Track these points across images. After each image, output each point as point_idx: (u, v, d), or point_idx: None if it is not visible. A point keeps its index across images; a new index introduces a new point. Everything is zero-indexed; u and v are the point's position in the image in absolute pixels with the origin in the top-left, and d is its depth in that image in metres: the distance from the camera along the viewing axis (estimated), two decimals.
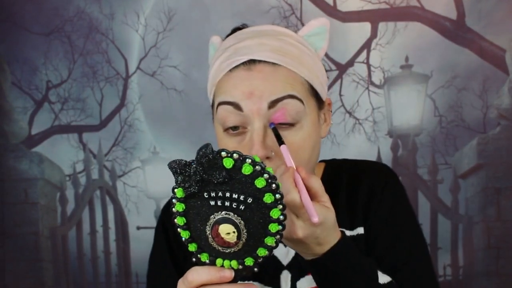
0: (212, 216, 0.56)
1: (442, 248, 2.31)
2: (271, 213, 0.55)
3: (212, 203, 0.56)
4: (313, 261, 0.65)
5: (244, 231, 0.56)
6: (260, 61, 0.72)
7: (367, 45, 2.32)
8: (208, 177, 0.54)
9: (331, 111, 0.82)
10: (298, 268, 0.78)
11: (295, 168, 0.64)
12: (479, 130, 2.25)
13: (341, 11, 2.30)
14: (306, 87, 0.73)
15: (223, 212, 0.56)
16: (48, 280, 2.49)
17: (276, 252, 0.79)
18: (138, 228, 2.49)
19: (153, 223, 2.48)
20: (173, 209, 0.58)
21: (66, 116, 2.49)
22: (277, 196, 0.55)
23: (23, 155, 2.47)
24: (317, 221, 0.60)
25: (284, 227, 0.56)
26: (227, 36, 0.80)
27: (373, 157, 2.30)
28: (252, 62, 0.72)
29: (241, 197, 0.54)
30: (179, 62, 2.42)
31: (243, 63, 0.72)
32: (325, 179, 0.83)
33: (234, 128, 0.72)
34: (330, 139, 2.30)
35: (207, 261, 0.60)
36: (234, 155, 0.54)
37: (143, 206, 2.47)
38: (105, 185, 2.49)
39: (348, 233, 0.78)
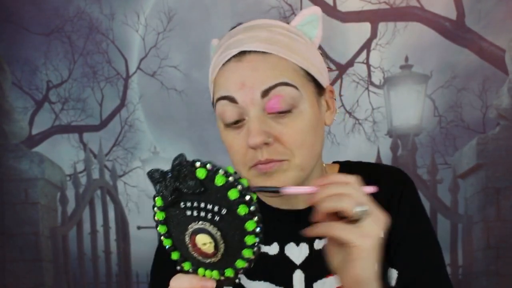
0: (189, 226, 0.56)
1: (442, 248, 2.31)
2: (246, 225, 0.54)
3: (189, 213, 0.55)
4: None
5: (221, 242, 0.55)
6: (250, 52, 0.72)
7: (367, 45, 2.32)
8: (182, 187, 0.54)
9: (335, 99, 0.80)
10: (314, 268, 0.77)
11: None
12: (478, 130, 2.25)
13: (341, 11, 2.30)
14: (301, 73, 0.73)
15: (200, 222, 0.55)
16: (48, 280, 2.49)
17: (286, 250, 0.79)
18: (139, 227, 2.49)
19: (154, 223, 2.48)
20: (155, 217, 0.58)
21: (67, 116, 2.49)
22: (252, 208, 0.53)
23: (23, 155, 2.47)
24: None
25: (261, 239, 0.55)
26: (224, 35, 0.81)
27: (373, 157, 2.30)
28: (242, 53, 0.72)
29: (216, 208, 0.54)
30: (179, 62, 2.42)
31: (234, 56, 0.72)
32: None
33: (235, 122, 0.72)
34: (330, 139, 2.30)
35: (190, 270, 0.60)
36: (208, 165, 0.53)
37: (143, 205, 2.47)
38: (105, 185, 2.49)
39: None
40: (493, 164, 2.22)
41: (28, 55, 2.48)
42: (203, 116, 2.33)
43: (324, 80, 0.77)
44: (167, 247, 0.60)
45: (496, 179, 2.23)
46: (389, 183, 0.79)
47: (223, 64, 0.73)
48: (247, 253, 0.56)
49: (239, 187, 0.53)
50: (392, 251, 0.77)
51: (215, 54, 0.76)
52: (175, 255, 0.60)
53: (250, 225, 0.54)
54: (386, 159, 2.31)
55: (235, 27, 0.80)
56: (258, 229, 0.54)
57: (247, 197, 0.53)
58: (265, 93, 0.70)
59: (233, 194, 0.53)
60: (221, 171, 0.53)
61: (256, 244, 0.55)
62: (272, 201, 0.77)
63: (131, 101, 2.46)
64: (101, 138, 2.48)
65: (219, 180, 0.53)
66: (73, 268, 2.51)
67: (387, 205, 0.77)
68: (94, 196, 2.51)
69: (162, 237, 0.60)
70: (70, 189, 2.51)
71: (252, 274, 0.78)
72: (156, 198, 0.57)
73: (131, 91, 2.47)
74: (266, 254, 0.79)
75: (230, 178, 0.53)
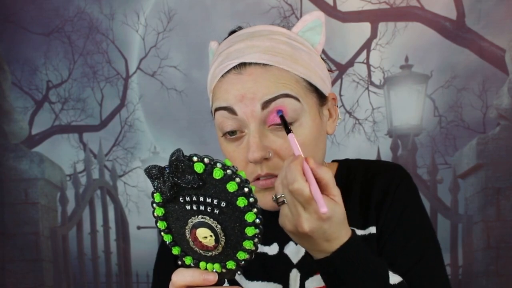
0: (189, 220, 0.57)
1: (442, 248, 2.30)
2: (245, 216, 0.55)
3: (188, 207, 0.56)
4: (322, 260, 0.64)
5: (222, 234, 0.56)
6: (250, 63, 0.71)
7: (367, 45, 2.32)
8: (180, 182, 0.54)
9: (337, 106, 0.80)
10: (307, 267, 0.77)
11: (303, 157, 0.62)
12: (478, 130, 2.25)
13: (341, 11, 2.30)
14: (303, 84, 0.72)
15: (199, 216, 0.56)
16: (48, 280, 2.49)
17: (286, 250, 0.79)
18: (139, 228, 2.49)
19: (154, 223, 2.48)
20: (154, 213, 0.59)
21: (67, 116, 2.49)
22: (251, 200, 0.54)
23: (23, 155, 2.47)
24: (326, 212, 0.58)
25: (261, 230, 0.56)
26: (224, 39, 0.79)
27: (373, 157, 2.30)
28: (242, 65, 0.71)
29: (215, 201, 0.55)
30: (179, 62, 2.42)
31: (234, 67, 0.72)
32: (338, 179, 0.81)
33: (232, 133, 0.72)
34: (330, 139, 2.30)
35: (192, 264, 0.60)
36: (205, 159, 0.54)
37: (143, 206, 2.47)
38: (105, 185, 2.49)
39: (360, 232, 0.77)
40: (493, 164, 2.22)
41: (28, 55, 2.48)
42: (203, 116, 2.33)
43: (327, 88, 0.77)
44: (167, 242, 0.61)
45: (496, 179, 2.23)
46: (387, 176, 0.79)
47: (222, 75, 0.73)
48: (248, 244, 0.57)
49: (237, 179, 0.54)
50: (383, 242, 0.76)
51: (214, 62, 0.76)
52: (175, 250, 0.61)
53: (250, 217, 0.55)
54: (386, 159, 2.31)
55: (234, 31, 0.79)
56: (257, 220, 0.55)
57: (246, 189, 0.54)
58: (266, 104, 0.69)
59: (231, 186, 0.54)
60: (218, 165, 0.54)
61: (256, 235, 0.56)
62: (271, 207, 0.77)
63: (131, 101, 2.46)
64: (101, 138, 2.48)
65: (217, 174, 0.54)
66: (73, 268, 2.51)
67: (383, 196, 0.77)
68: (94, 196, 2.51)
69: (162, 233, 0.60)
70: (70, 189, 2.51)
71: (251, 274, 0.78)
72: (155, 194, 0.58)
73: (131, 91, 2.47)
74: (265, 254, 0.79)
75: (228, 171, 0.54)
